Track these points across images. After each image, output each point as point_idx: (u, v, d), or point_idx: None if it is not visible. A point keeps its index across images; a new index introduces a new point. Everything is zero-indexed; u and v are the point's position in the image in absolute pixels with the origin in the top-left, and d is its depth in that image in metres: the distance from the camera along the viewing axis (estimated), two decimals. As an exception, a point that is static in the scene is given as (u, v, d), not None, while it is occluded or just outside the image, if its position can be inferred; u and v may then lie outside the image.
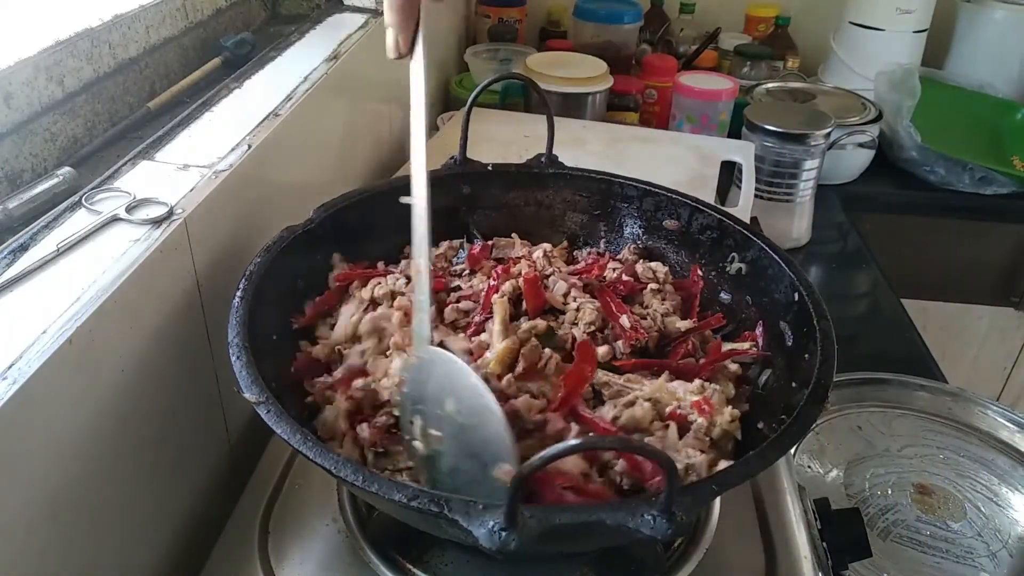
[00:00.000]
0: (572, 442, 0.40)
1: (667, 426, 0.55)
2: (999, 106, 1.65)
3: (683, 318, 0.66)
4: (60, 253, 0.53)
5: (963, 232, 1.55)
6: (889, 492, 0.87)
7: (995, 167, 1.47)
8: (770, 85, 1.56)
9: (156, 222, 0.57)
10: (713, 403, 0.56)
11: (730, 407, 0.56)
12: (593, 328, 0.61)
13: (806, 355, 0.56)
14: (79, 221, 0.57)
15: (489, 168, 0.76)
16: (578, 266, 0.71)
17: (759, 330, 0.64)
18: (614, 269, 0.69)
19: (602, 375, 0.58)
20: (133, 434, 0.55)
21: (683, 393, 0.56)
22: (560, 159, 0.76)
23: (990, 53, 1.68)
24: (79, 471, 0.49)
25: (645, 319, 0.64)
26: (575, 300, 0.63)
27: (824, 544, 0.64)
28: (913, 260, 1.55)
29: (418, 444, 0.51)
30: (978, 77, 1.68)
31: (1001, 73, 1.68)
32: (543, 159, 0.76)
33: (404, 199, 0.55)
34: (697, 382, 0.57)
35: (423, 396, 0.51)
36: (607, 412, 0.55)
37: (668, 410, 0.56)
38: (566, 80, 1.24)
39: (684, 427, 0.55)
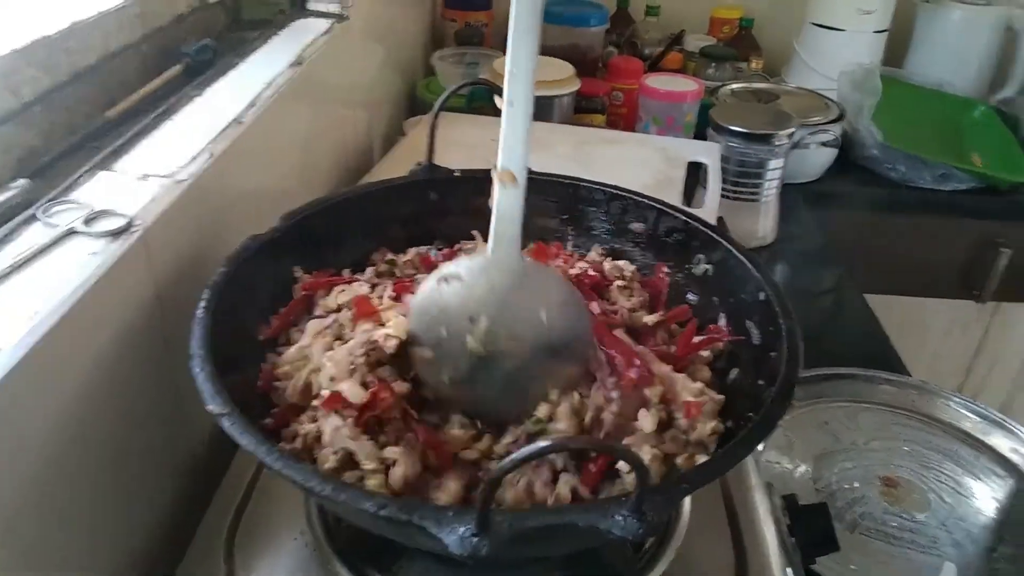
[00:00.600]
0: (542, 444, 0.40)
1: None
2: (958, 104, 1.69)
3: (650, 313, 0.67)
4: (15, 268, 0.52)
5: (925, 228, 1.58)
6: (856, 485, 0.89)
7: (955, 164, 1.50)
8: (735, 86, 1.58)
9: (115, 234, 0.56)
10: (703, 410, 0.56)
11: (714, 422, 0.56)
12: None
13: (772, 353, 0.56)
14: (34, 235, 0.55)
15: (456, 174, 0.75)
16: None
17: (722, 322, 0.65)
18: (581, 268, 0.69)
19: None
20: (93, 454, 0.54)
21: (680, 388, 0.57)
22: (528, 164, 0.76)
23: (948, 52, 1.72)
24: (36, 494, 0.48)
25: (614, 314, 0.65)
26: None
27: (793, 540, 0.65)
28: (876, 256, 1.57)
29: (472, 342, 0.52)
30: (937, 75, 1.71)
31: (959, 71, 1.71)
32: (510, 164, 0.76)
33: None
34: (699, 384, 0.57)
35: (497, 300, 0.52)
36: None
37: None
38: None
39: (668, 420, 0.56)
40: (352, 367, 0.53)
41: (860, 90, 1.51)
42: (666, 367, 0.58)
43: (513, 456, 0.38)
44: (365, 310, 0.60)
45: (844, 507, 0.85)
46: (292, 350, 0.59)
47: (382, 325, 0.58)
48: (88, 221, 0.57)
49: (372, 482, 0.49)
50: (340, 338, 0.59)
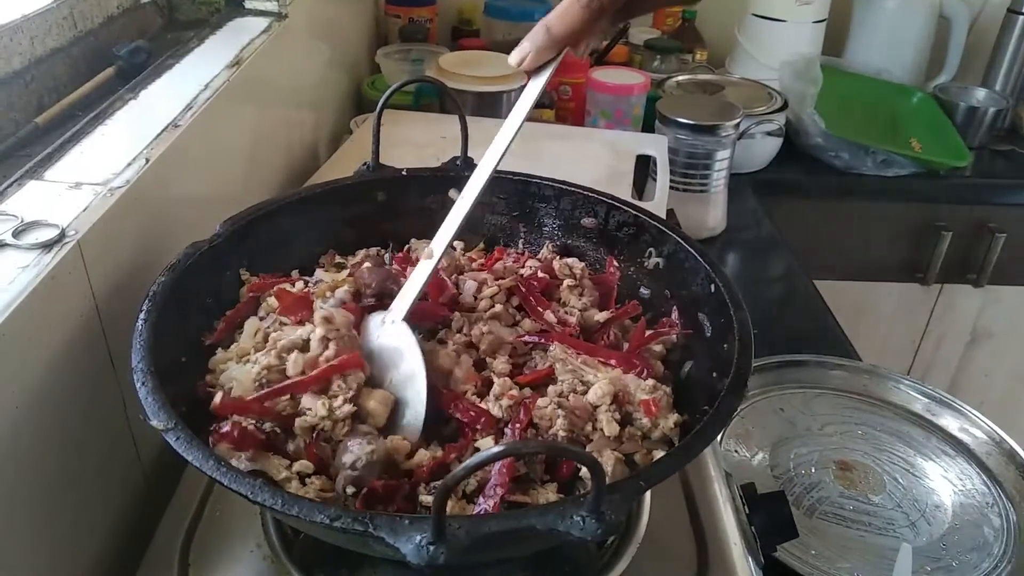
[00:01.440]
0: (495, 449, 0.39)
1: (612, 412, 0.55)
2: (896, 91, 1.73)
3: (601, 311, 0.67)
4: (-60, 284, 0.49)
5: (869, 213, 1.62)
6: (812, 470, 0.90)
7: (895, 150, 1.54)
8: (680, 78, 1.59)
9: (47, 246, 0.53)
10: (661, 406, 0.56)
11: (675, 415, 0.56)
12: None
13: (725, 344, 0.57)
14: (-39, 249, 0.53)
15: (404, 173, 0.74)
16: (486, 261, 0.71)
17: (675, 315, 0.65)
18: (532, 268, 0.69)
19: (559, 351, 0.59)
20: (33, 475, 0.51)
21: (634, 389, 0.57)
22: (476, 161, 0.75)
23: (885, 40, 1.76)
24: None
25: (568, 317, 0.64)
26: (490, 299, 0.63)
27: (752, 529, 0.65)
28: (823, 242, 1.60)
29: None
30: (875, 64, 1.75)
31: (896, 59, 1.75)
32: (459, 162, 0.75)
33: (453, 193, 0.62)
34: (651, 381, 0.57)
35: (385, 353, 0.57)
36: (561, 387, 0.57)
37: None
38: (480, 79, 1.24)
39: (624, 420, 0.56)
40: (257, 384, 0.53)
41: (802, 79, 1.53)
42: (616, 370, 0.58)
43: (465, 464, 0.38)
44: (288, 302, 0.60)
45: (801, 493, 0.87)
46: (219, 354, 0.57)
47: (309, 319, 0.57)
48: (18, 233, 0.54)
49: (292, 488, 0.49)
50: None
